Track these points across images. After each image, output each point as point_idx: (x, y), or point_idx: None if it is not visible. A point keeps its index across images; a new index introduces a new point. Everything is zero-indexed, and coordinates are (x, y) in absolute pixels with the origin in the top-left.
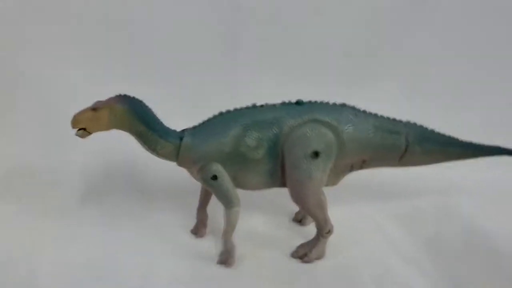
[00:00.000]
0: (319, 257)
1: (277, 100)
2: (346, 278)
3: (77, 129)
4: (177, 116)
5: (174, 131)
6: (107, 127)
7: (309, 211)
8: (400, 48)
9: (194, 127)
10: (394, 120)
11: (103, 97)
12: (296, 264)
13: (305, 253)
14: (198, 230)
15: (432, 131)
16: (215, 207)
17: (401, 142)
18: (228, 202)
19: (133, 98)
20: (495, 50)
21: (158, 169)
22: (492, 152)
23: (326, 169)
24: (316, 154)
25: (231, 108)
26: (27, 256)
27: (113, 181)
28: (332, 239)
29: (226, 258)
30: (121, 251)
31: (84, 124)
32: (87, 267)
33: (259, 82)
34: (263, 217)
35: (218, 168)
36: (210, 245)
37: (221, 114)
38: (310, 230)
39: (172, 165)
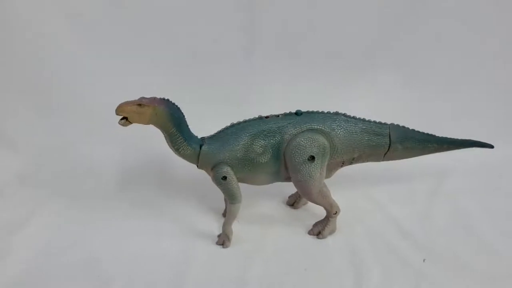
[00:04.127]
0: (331, 232)
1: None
2: (352, 250)
3: (120, 118)
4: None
5: (196, 137)
6: (147, 122)
7: (315, 201)
8: (399, 41)
9: (212, 136)
10: (379, 123)
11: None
12: (311, 239)
13: (319, 231)
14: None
15: (413, 131)
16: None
17: (385, 142)
18: (233, 199)
19: (174, 104)
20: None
21: (177, 165)
22: (464, 145)
23: (323, 167)
24: (312, 158)
25: (241, 119)
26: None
27: (146, 175)
28: (341, 218)
29: (224, 241)
30: (156, 239)
31: (128, 114)
32: (124, 256)
33: (272, 76)
34: (265, 203)
35: (228, 170)
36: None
37: (232, 125)
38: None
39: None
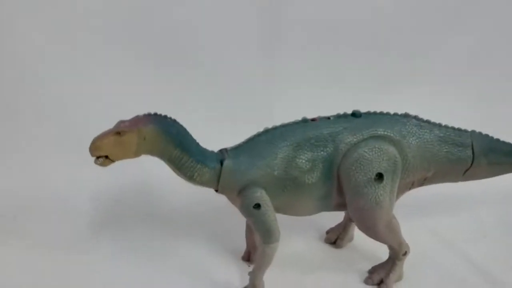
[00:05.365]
0: (398, 280)
1: (319, 109)
2: None
3: (97, 157)
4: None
5: (212, 152)
6: (135, 154)
7: (380, 238)
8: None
9: (236, 147)
10: (459, 130)
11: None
12: None
13: (381, 279)
14: (251, 256)
15: (498, 141)
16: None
17: (467, 155)
18: (269, 236)
19: (165, 116)
20: None
21: (176, 193)
22: None
23: (394, 189)
24: (380, 176)
25: (277, 123)
26: None
27: (128, 207)
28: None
29: None
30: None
31: (107, 151)
32: None
33: (297, 87)
34: (298, 241)
35: (262, 195)
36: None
37: (266, 131)
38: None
39: (191, 189)
